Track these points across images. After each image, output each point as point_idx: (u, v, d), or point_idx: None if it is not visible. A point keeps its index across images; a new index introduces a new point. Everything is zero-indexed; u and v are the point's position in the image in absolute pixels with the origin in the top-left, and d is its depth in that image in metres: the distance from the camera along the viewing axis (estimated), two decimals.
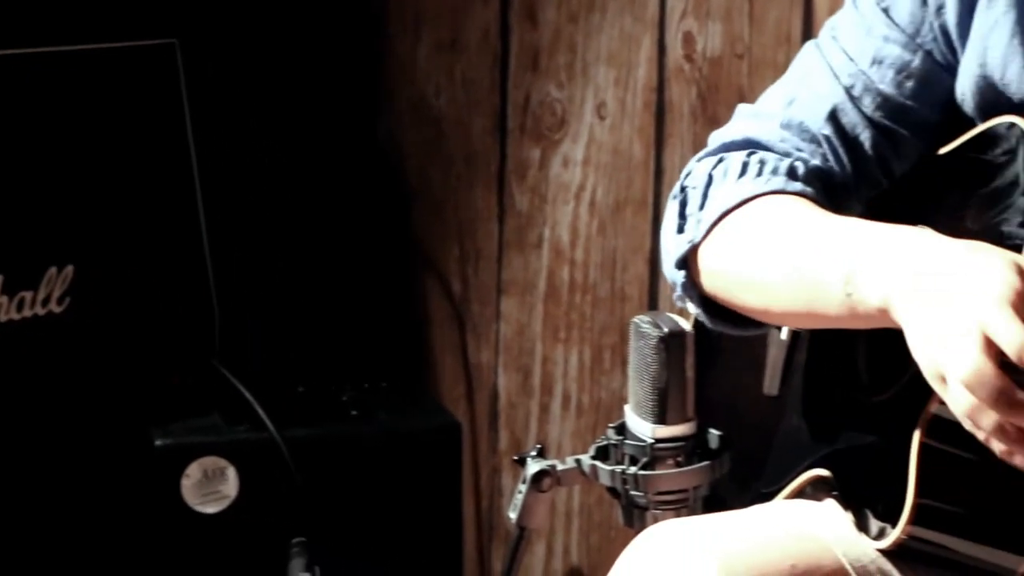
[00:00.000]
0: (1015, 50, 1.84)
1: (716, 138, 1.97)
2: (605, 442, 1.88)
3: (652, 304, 2.99)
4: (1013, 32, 1.84)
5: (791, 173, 1.89)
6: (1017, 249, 1.74)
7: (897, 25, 1.91)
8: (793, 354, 2.04)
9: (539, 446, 1.97)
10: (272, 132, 3.14)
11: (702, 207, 1.91)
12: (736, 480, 1.98)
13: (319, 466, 2.92)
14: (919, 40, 1.91)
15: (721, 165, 1.93)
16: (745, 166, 1.90)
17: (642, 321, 1.85)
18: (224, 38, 3.09)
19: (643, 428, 1.84)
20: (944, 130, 1.92)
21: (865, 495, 1.85)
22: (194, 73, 2.98)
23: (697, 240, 1.90)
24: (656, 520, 1.86)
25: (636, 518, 1.86)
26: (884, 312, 1.71)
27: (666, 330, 1.83)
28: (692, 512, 1.85)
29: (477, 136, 3.12)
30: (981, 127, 1.86)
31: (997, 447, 1.64)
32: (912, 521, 1.76)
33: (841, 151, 1.93)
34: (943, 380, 1.64)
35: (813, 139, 1.93)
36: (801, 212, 1.85)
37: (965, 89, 1.89)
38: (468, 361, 3.17)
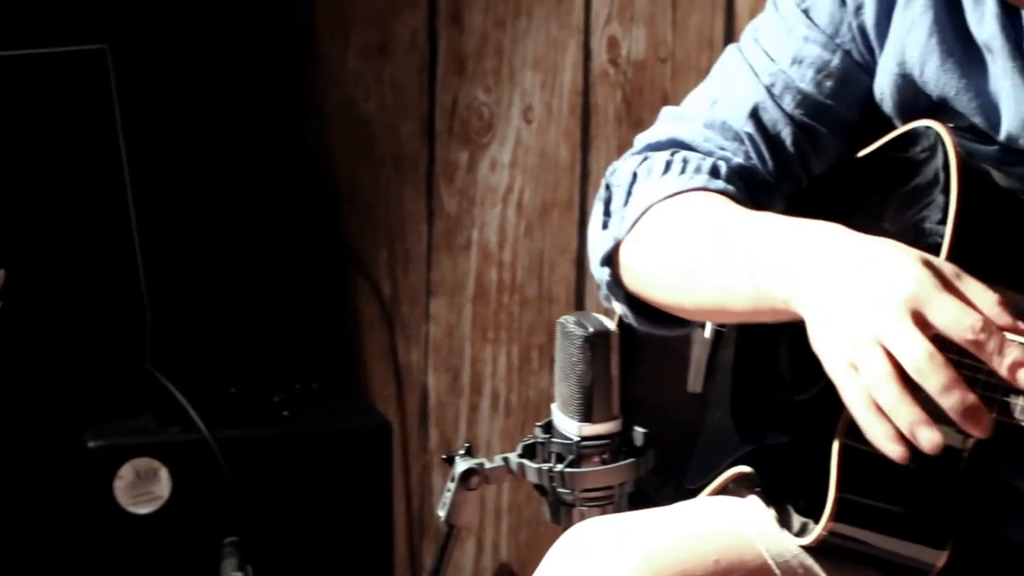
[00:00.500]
0: (932, 49, 1.85)
1: (641, 140, 1.98)
2: (532, 440, 1.87)
3: (579, 304, 2.99)
4: (930, 32, 1.85)
5: (714, 171, 1.90)
6: (936, 248, 1.75)
7: (817, 26, 1.92)
8: (717, 352, 2.04)
9: (467, 445, 1.97)
10: (203, 136, 3.12)
11: (626, 204, 1.91)
12: (662, 477, 1.98)
13: (251, 466, 2.91)
14: (838, 40, 1.92)
15: (645, 163, 1.93)
16: (668, 164, 1.91)
17: (568, 321, 1.85)
18: (155, 43, 3.08)
19: (569, 426, 1.84)
20: (864, 131, 1.93)
21: (787, 492, 1.85)
22: (125, 78, 2.96)
23: (621, 236, 1.91)
24: (583, 517, 1.85)
25: (563, 515, 1.86)
26: (788, 306, 1.72)
27: (591, 330, 1.82)
28: (618, 509, 1.85)
29: (406, 140, 3.11)
30: (900, 130, 1.87)
31: (893, 451, 1.65)
32: (833, 518, 1.77)
33: (763, 148, 1.94)
34: (849, 373, 1.65)
35: (736, 137, 1.93)
36: (719, 209, 1.85)
37: (884, 87, 1.90)
38: (398, 362, 3.16)
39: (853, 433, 1.75)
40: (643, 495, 1.95)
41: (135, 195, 2.96)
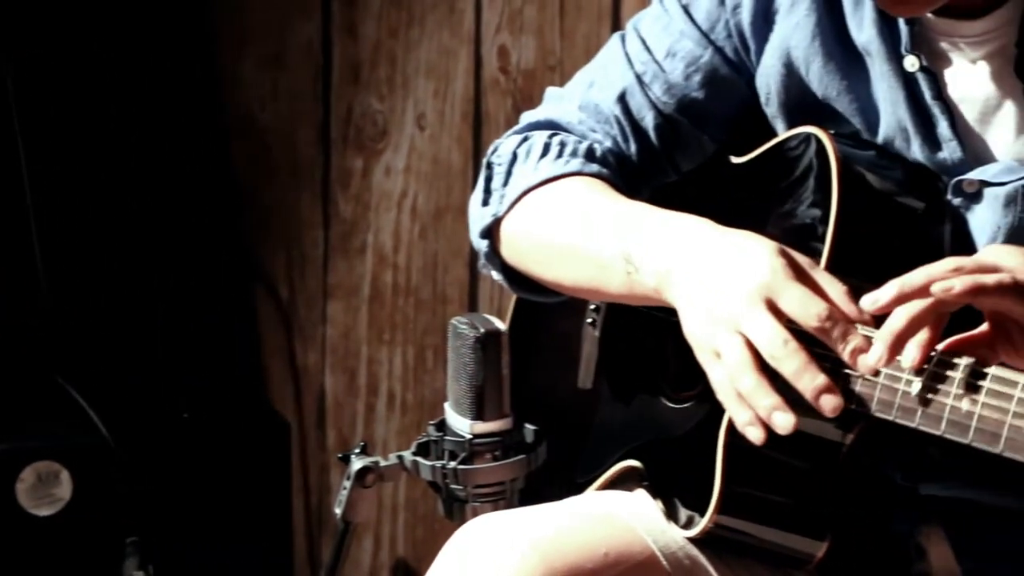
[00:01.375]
0: (815, 51, 1.86)
1: (525, 118, 2.01)
2: (426, 439, 1.87)
3: (472, 306, 2.99)
4: (813, 34, 1.86)
5: (589, 155, 1.93)
6: (817, 251, 1.76)
7: (694, 22, 1.94)
8: (606, 350, 2.04)
9: (363, 444, 1.96)
10: (103, 147, 3.09)
11: (505, 184, 1.95)
12: (553, 472, 1.98)
13: (152, 467, 2.89)
14: (712, 37, 1.94)
15: (525, 144, 1.96)
16: (547, 147, 1.94)
17: (459, 322, 1.84)
18: (54, 54, 3.04)
19: (462, 424, 1.84)
20: (738, 130, 1.95)
21: (675, 485, 1.85)
22: (24, 89, 2.93)
23: (500, 214, 1.95)
24: (476, 512, 1.85)
25: (456, 511, 1.85)
26: (660, 295, 1.75)
27: (482, 330, 1.82)
28: (509, 504, 1.85)
29: (302, 147, 3.10)
30: (782, 136, 1.88)
31: (753, 434, 1.67)
32: (718, 511, 1.77)
33: (628, 132, 1.96)
34: (713, 361, 1.68)
35: (605, 120, 1.97)
36: (593, 194, 1.88)
37: (770, 86, 1.91)
38: (296, 363, 3.14)
39: (736, 433, 1.75)
40: (535, 490, 1.95)
41: (35, 204, 2.93)
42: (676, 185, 2.00)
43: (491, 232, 1.96)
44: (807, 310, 1.64)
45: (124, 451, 2.84)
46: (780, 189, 1.85)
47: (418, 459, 1.86)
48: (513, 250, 1.95)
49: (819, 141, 1.81)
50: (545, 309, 2.07)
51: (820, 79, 1.87)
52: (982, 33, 1.76)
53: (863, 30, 1.83)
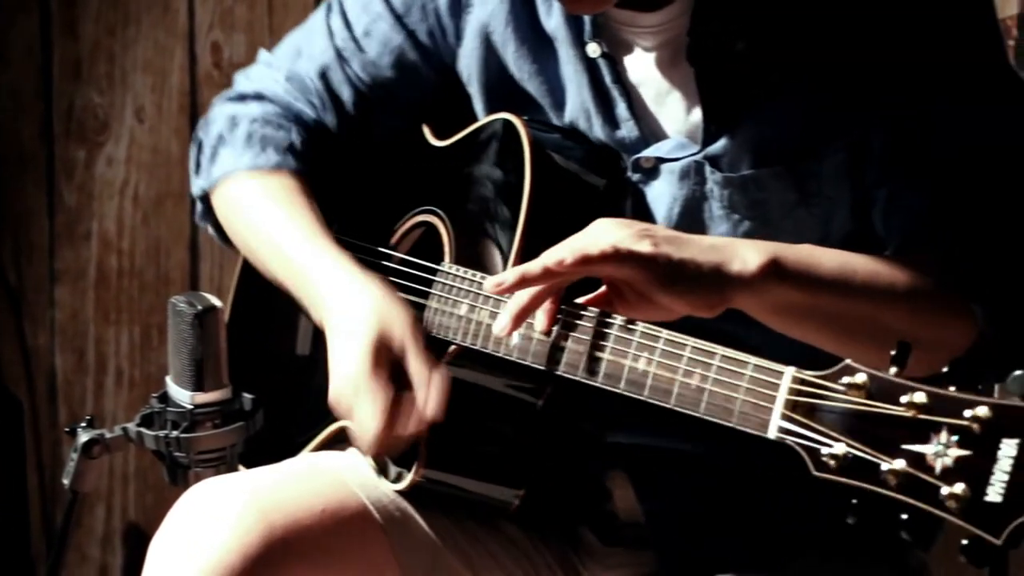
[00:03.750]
0: (509, 36, 1.87)
1: (238, 82, 2.04)
2: (150, 410, 1.84)
3: (194, 286, 2.95)
4: (507, 20, 1.87)
5: (287, 148, 1.95)
6: (512, 230, 1.77)
7: (390, 5, 1.94)
8: None
9: (89, 417, 1.93)
10: None
11: (212, 161, 1.98)
12: (277, 434, 1.97)
13: None
14: (406, 21, 1.94)
15: (231, 127, 1.98)
16: (250, 136, 1.96)
17: (178, 301, 1.81)
18: None
19: (183, 396, 1.81)
20: (448, 118, 1.94)
21: None
22: None
23: (208, 189, 1.99)
24: (199, 477, 1.83)
25: (180, 477, 1.83)
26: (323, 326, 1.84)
27: (200, 307, 1.80)
28: (230, 468, 1.83)
29: (25, 141, 3.01)
30: (480, 122, 1.88)
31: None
32: (423, 466, 1.78)
33: (328, 104, 1.98)
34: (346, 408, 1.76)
35: (308, 91, 1.98)
36: (286, 214, 1.91)
37: (472, 69, 1.91)
38: (26, 345, 3.06)
39: None
40: (258, 452, 1.93)
41: None
42: (381, 168, 1.99)
43: (205, 198, 2.00)
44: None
45: None
46: (477, 173, 1.85)
47: (142, 430, 1.83)
48: (222, 221, 2.00)
49: (512, 126, 1.82)
50: (266, 282, 2.07)
51: (515, 62, 1.88)
52: (658, 24, 1.79)
53: (552, 17, 1.84)
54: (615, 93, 1.81)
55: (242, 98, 2.01)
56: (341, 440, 1.93)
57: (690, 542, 1.83)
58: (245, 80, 2.03)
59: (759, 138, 1.73)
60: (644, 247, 1.57)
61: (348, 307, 1.78)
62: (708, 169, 1.76)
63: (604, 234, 1.60)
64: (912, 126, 1.68)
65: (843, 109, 1.70)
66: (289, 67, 1.99)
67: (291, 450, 1.95)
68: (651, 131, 1.81)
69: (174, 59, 2.92)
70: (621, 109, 1.81)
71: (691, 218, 1.78)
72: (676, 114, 1.80)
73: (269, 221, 1.91)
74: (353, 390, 1.73)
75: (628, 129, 1.81)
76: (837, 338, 1.45)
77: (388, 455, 1.79)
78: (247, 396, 1.83)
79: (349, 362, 1.75)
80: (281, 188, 1.92)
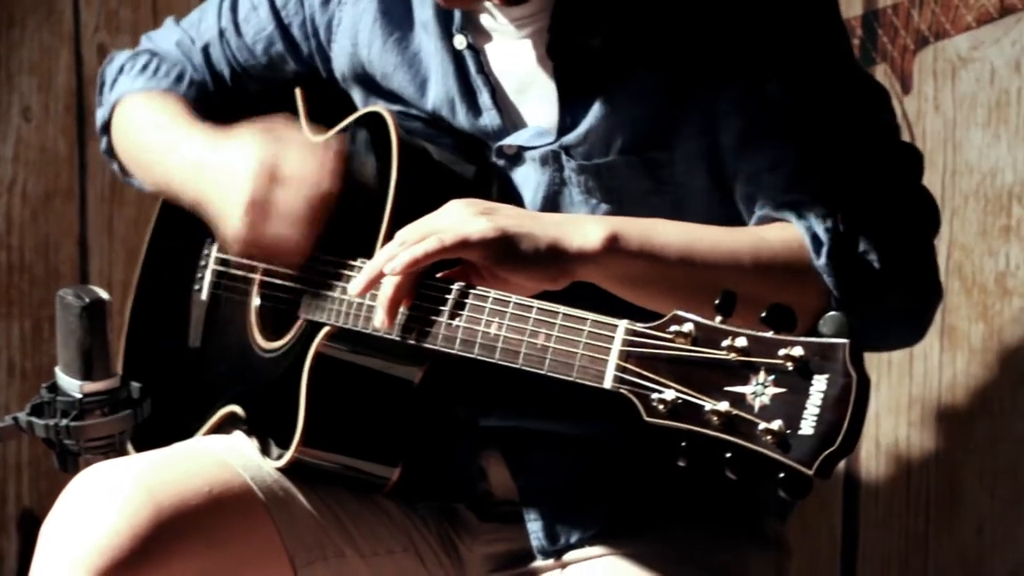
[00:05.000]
0: (377, 34, 1.89)
1: (143, 41, 2.12)
2: (39, 400, 1.83)
3: (84, 280, 2.93)
4: (375, 18, 1.89)
5: (179, 78, 2.03)
6: (379, 217, 1.78)
7: None
8: (212, 311, 2.04)
9: None
10: None
11: (111, 89, 2.06)
12: (171, 420, 1.98)
13: None
14: (283, 13, 1.98)
15: (132, 60, 2.07)
16: (146, 66, 2.04)
17: (66, 294, 1.81)
18: None
19: (72, 385, 1.81)
20: (330, 111, 1.95)
21: (267, 426, 1.86)
22: None
23: (106, 117, 2.06)
24: (89, 464, 1.82)
25: (70, 464, 1.82)
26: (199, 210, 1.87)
27: (87, 300, 1.79)
28: (119, 454, 1.83)
29: None
30: (353, 116, 1.89)
31: None
32: (302, 444, 1.79)
33: (208, 76, 2.04)
34: None
35: (192, 60, 2.05)
36: (177, 115, 1.97)
37: (343, 64, 1.93)
38: None
39: (316, 373, 1.78)
40: (150, 437, 1.94)
41: None
42: None
43: (107, 130, 2.07)
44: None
45: None
46: (351, 162, 1.86)
47: (32, 419, 1.82)
48: (118, 147, 2.06)
49: (381, 118, 1.83)
50: (162, 278, 2.08)
51: (381, 56, 1.89)
52: (521, 17, 1.81)
53: (424, 8, 1.86)
54: (479, 83, 1.83)
55: (143, 52, 2.09)
56: (230, 424, 1.94)
57: (561, 516, 1.85)
58: (146, 39, 2.12)
59: (611, 128, 1.76)
60: (480, 225, 1.60)
61: (233, 162, 1.82)
62: (564, 157, 1.79)
63: (448, 217, 1.63)
64: (757, 110, 1.71)
65: (692, 98, 1.73)
66: (181, 35, 2.06)
67: (185, 436, 1.96)
68: (512, 121, 1.84)
69: (60, 60, 2.90)
70: (484, 98, 1.83)
71: (553, 202, 1.80)
72: (537, 104, 1.83)
73: (152, 132, 1.97)
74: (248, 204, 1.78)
75: (490, 118, 1.84)
76: (687, 306, 1.48)
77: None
78: (135, 384, 1.84)
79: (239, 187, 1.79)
80: (171, 103, 1.99)
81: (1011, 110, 2.38)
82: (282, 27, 1.97)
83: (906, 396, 2.45)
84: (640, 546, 1.82)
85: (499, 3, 1.80)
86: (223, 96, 2.03)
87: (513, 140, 1.83)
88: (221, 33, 2.02)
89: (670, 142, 1.75)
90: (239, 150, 1.81)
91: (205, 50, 2.04)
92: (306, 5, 1.95)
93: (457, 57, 1.84)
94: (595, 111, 1.76)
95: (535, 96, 1.83)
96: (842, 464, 2.45)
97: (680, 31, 1.73)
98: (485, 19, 1.83)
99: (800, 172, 1.69)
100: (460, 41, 1.84)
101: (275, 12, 1.98)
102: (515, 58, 1.83)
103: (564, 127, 1.79)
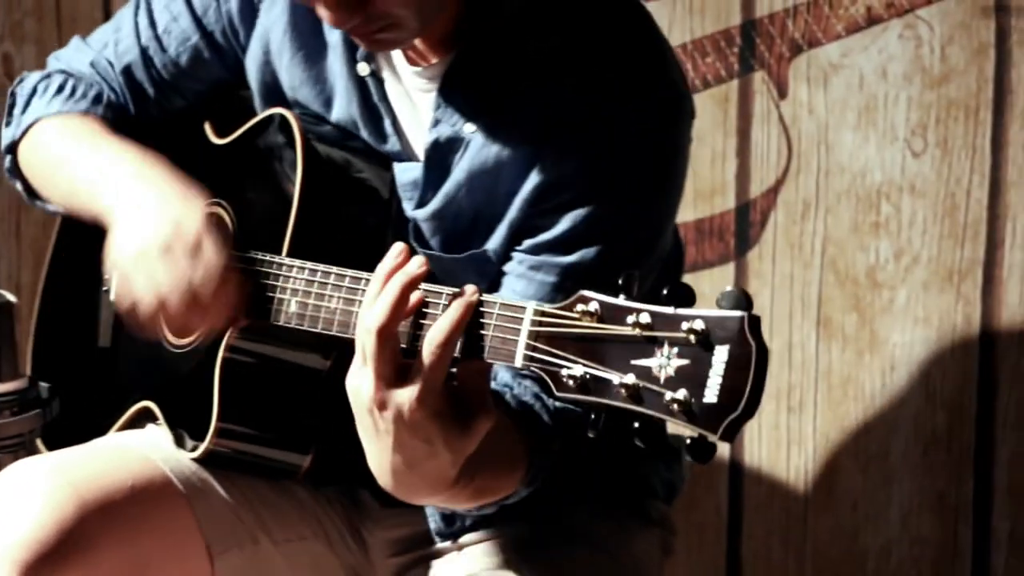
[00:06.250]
0: (287, 46, 1.87)
1: (51, 63, 2.04)
2: None
3: None
4: (286, 30, 1.87)
5: (96, 99, 1.96)
6: (285, 219, 1.77)
7: (191, 6, 1.94)
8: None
9: None
10: None
11: (24, 112, 1.98)
12: (84, 418, 1.95)
13: None
14: (204, 22, 1.94)
15: (45, 81, 1.99)
16: (61, 87, 1.97)
17: None
18: None
19: None
20: (230, 116, 1.94)
21: (182, 420, 1.85)
22: None
23: (16, 138, 1.98)
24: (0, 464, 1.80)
25: None
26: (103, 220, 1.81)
27: None
28: (29, 452, 1.81)
29: None
30: (257, 117, 1.88)
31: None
32: (216, 436, 1.78)
33: (129, 97, 1.99)
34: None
35: (110, 79, 1.99)
36: (92, 135, 1.91)
37: (253, 72, 1.91)
38: None
39: (228, 368, 1.77)
40: (67, 434, 1.92)
41: None
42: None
43: (13, 151, 1.99)
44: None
45: None
46: (257, 164, 1.85)
47: None
48: (27, 170, 1.98)
49: (286, 120, 1.82)
50: (69, 280, 2.05)
51: (289, 69, 1.88)
52: (419, 76, 1.80)
53: (333, 31, 1.84)
54: (381, 110, 1.83)
55: (56, 72, 2.02)
56: (143, 419, 1.92)
57: None
58: (55, 60, 2.05)
59: (454, 219, 1.77)
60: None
61: (141, 200, 1.77)
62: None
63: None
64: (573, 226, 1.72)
65: (531, 205, 1.74)
66: (95, 56, 1.99)
67: (99, 433, 1.94)
68: (410, 151, 1.83)
69: None
70: (387, 125, 1.83)
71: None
72: (424, 130, 1.82)
73: (68, 148, 1.91)
74: (138, 255, 1.72)
75: (392, 143, 1.84)
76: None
77: (145, 329, 1.76)
78: (44, 384, 1.81)
79: (140, 235, 1.73)
80: (86, 125, 1.93)
81: (879, 114, 2.42)
82: (206, 35, 1.94)
83: (786, 384, 2.48)
84: (533, 527, 1.84)
85: (402, 53, 1.80)
86: (144, 116, 1.99)
87: (398, 177, 1.83)
88: (144, 52, 1.96)
89: (491, 237, 1.76)
90: (153, 199, 1.77)
91: (127, 71, 1.97)
92: (223, 13, 1.93)
93: (361, 83, 1.83)
94: (446, 196, 1.77)
95: (424, 123, 1.81)
96: (727, 449, 2.48)
97: (543, 140, 1.73)
98: (388, 50, 1.81)
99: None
100: (363, 68, 1.83)
101: (197, 21, 1.94)
102: (415, 97, 1.82)
103: (422, 200, 1.80)
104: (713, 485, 2.52)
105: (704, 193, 2.46)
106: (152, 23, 1.96)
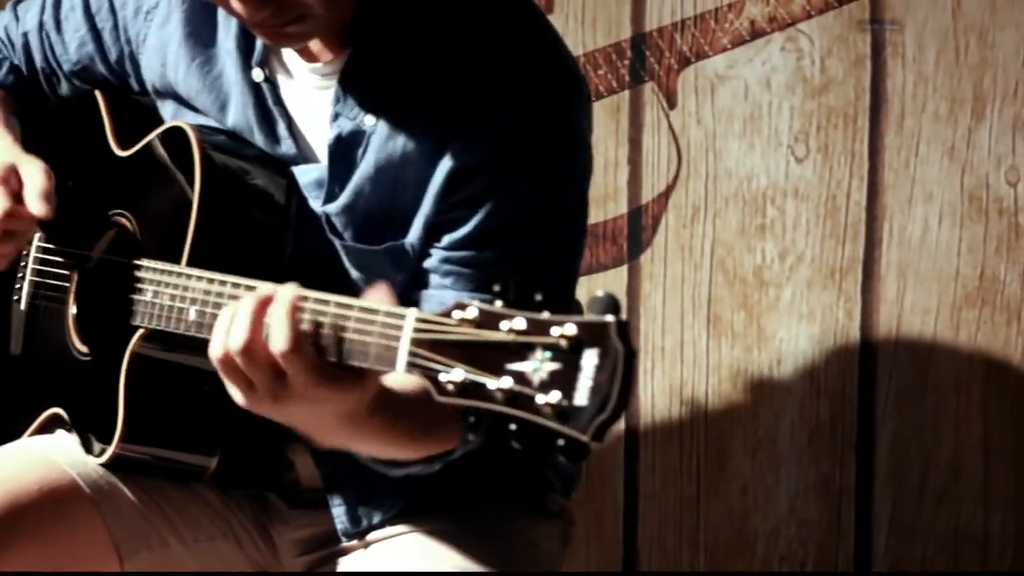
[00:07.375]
0: (182, 56, 1.86)
1: None
2: None
3: None
4: (181, 42, 1.86)
5: None
6: (184, 229, 1.76)
7: (86, 2, 1.94)
8: (32, 321, 2.01)
9: None
10: None
11: None
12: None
13: None
14: (96, 18, 1.93)
15: None
16: None
17: None
18: None
19: None
20: (135, 127, 1.92)
21: (89, 425, 1.84)
22: None
23: None
24: None
25: None
26: None
27: None
28: None
29: None
30: (157, 131, 1.87)
31: None
32: (122, 440, 1.78)
33: (25, 67, 1.98)
34: None
35: (13, 48, 1.99)
36: None
37: (154, 79, 1.90)
38: None
39: (132, 373, 1.77)
40: None
41: None
42: (73, 179, 1.96)
43: None
44: None
45: None
46: (156, 181, 1.84)
47: None
48: None
49: (184, 132, 1.80)
50: None
51: (185, 79, 1.86)
52: (316, 72, 1.79)
53: (228, 37, 1.83)
54: (276, 114, 1.81)
55: None
56: (53, 425, 1.91)
57: (362, 500, 1.86)
58: None
59: (366, 211, 1.77)
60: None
61: None
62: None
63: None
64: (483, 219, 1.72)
65: (440, 196, 1.73)
66: (9, 19, 2.00)
67: (11, 439, 1.93)
68: (305, 154, 1.82)
69: None
70: (281, 129, 1.82)
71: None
72: (323, 134, 1.80)
73: None
74: None
75: (287, 147, 1.82)
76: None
77: None
78: None
79: None
80: None
81: (763, 122, 2.45)
82: (95, 31, 1.92)
83: (678, 378, 2.51)
84: (436, 524, 1.84)
85: (298, 53, 1.79)
86: (34, 87, 1.98)
87: (299, 177, 1.81)
88: (41, 26, 1.96)
89: (408, 231, 1.75)
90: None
91: (25, 37, 1.98)
92: (118, 14, 1.90)
93: (256, 88, 1.82)
94: (354, 189, 1.76)
95: (323, 127, 1.80)
96: (623, 442, 2.50)
97: (444, 131, 1.72)
98: (283, 54, 1.81)
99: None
100: (258, 74, 1.81)
101: (88, 15, 1.92)
102: (307, 92, 1.81)
103: (331, 194, 1.78)
104: (609, 477, 2.53)
105: (597, 199, 2.48)
106: (57, 4, 1.96)
